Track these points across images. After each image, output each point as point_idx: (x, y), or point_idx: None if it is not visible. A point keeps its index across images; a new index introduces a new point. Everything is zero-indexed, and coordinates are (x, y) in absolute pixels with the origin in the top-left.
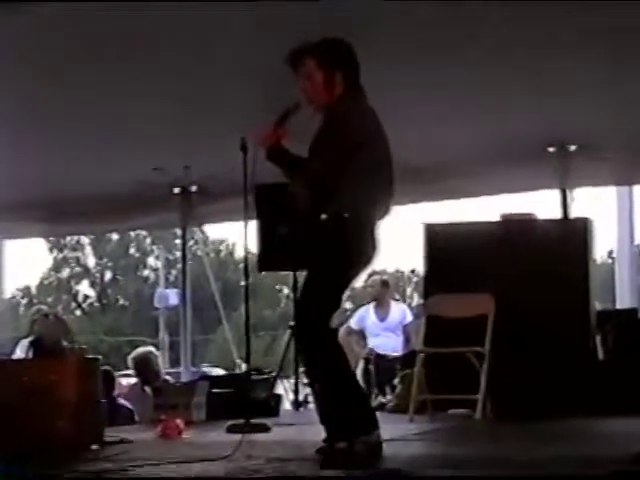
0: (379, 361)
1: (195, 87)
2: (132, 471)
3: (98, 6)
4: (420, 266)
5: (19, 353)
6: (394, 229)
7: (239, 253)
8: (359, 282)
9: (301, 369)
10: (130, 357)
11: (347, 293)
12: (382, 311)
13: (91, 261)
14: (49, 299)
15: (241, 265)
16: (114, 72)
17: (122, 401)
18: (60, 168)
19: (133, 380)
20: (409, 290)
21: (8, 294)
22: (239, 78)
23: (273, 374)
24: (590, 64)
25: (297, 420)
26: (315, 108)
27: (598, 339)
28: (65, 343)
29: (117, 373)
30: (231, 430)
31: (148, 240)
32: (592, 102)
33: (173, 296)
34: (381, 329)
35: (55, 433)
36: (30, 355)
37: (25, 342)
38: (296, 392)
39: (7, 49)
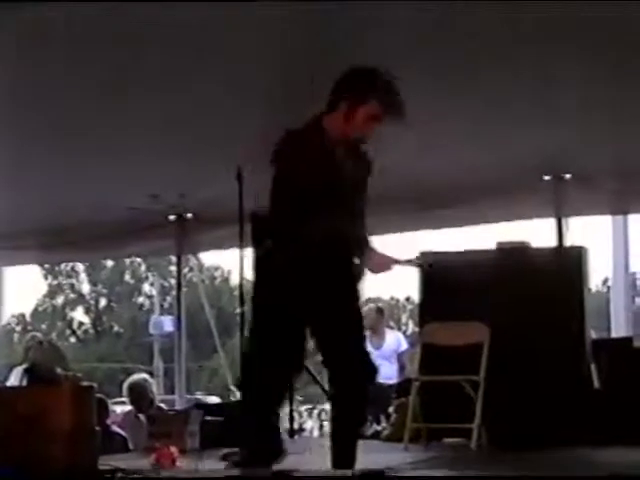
0: (374, 389)
1: (191, 115)
2: None
3: (97, 37)
4: (415, 293)
5: (13, 380)
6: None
7: (234, 280)
8: None
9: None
10: (125, 385)
11: None
12: (377, 339)
13: (86, 288)
14: (43, 326)
15: (236, 292)
16: (110, 100)
17: (116, 429)
18: (56, 196)
19: (127, 408)
20: (404, 317)
21: (3, 321)
22: (235, 106)
23: None
24: (585, 94)
25: (292, 448)
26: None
27: (593, 367)
28: (59, 371)
29: (111, 400)
30: (225, 459)
31: (143, 267)
32: (587, 131)
33: (168, 323)
34: (376, 357)
35: (49, 461)
36: (24, 383)
37: (19, 369)
38: (291, 420)
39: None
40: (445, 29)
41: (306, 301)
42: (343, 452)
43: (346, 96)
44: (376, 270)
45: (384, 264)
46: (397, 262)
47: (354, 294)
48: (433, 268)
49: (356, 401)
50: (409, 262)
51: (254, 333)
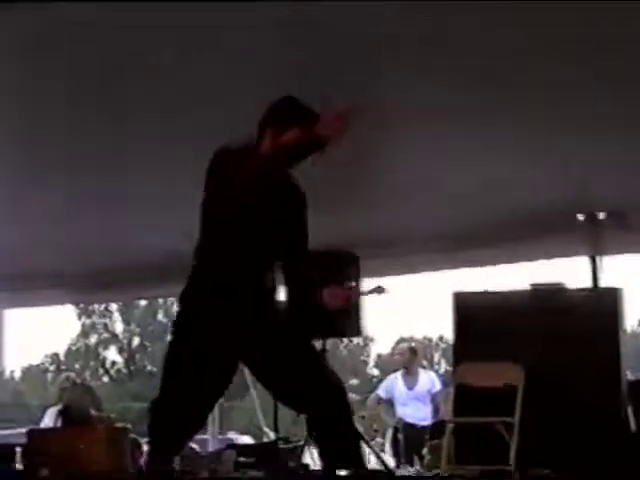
0: (407, 430)
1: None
2: None
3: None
4: (448, 332)
5: (47, 421)
6: (422, 297)
7: None
8: (387, 350)
9: None
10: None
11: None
12: (410, 379)
13: (119, 327)
14: (77, 365)
15: None
16: (142, 141)
17: None
18: (92, 237)
19: None
20: (437, 356)
21: (37, 360)
22: None
23: (301, 443)
24: (623, 131)
25: None
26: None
27: (630, 410)
28: (93, 412)
29: (145, 440)
30: None
31: (176, 306)
32: (621, 169)
33: None
34: (410, 398)
35: None
36: (58, 424)
37: (53, 410)
38: None
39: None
40: (485, 70)
41: (232, 345)
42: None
43: (269, 126)
44: (331, 304)
45: (337, 296)
46: (352, 294)
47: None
48: (467, 309)
49: (343, 422)
50: (368, 291)
51: (167, 373)
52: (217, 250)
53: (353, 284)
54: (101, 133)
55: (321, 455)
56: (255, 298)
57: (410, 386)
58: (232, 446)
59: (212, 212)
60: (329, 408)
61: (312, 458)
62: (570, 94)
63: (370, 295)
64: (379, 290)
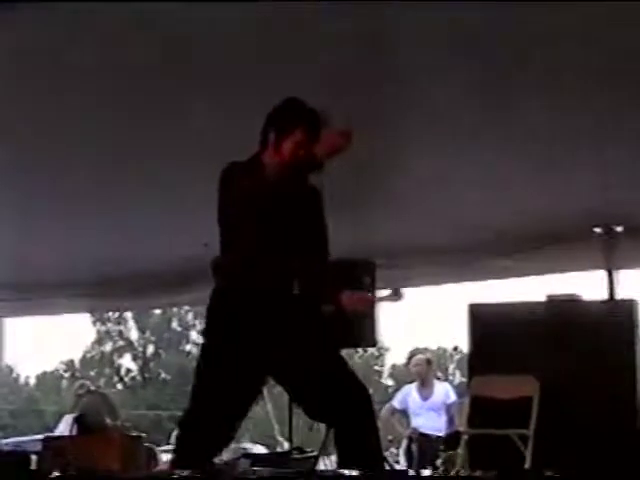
0: (422, 441)
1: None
2: None
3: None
4: (462, 343)
5: (62, 429)
6: (437, 307)
7: None
8: (401, 360)
9: None
10: (173, 433)
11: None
12: (425, 390)
13: (134, 335)
14: (92, 372)
15: None
16: (162, 150)
17: None
18: (109, 247)
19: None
20: (451, 367)
21: (52, 367)
22: None
23: (315, 452)
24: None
25: None
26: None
27: None
28: (108, 421)
29: (158, 448)
30: None
31: (190, 315)
32: (638, 183)
33: None
34: (424, 409)
35: None
36: (74, 431)
37: (69, 418)
38: None
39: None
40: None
41: (266, 346)
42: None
43: (272, 130)
44: (350, 307)
45: (356, 300)
46: (372, 299)
47: (320, 331)
48: (483, 320)
49: (367, 428)
50: (385, 297)
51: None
52: (245, 260)
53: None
54: (120, 146)
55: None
56: (285, 305)
57: (425, 397)
58: (246, 455)
59: (234, 225)
60: (357, 416)
61: (326, 467)
62: (589, 103)
63: (387, 300)
64: (396, 295)
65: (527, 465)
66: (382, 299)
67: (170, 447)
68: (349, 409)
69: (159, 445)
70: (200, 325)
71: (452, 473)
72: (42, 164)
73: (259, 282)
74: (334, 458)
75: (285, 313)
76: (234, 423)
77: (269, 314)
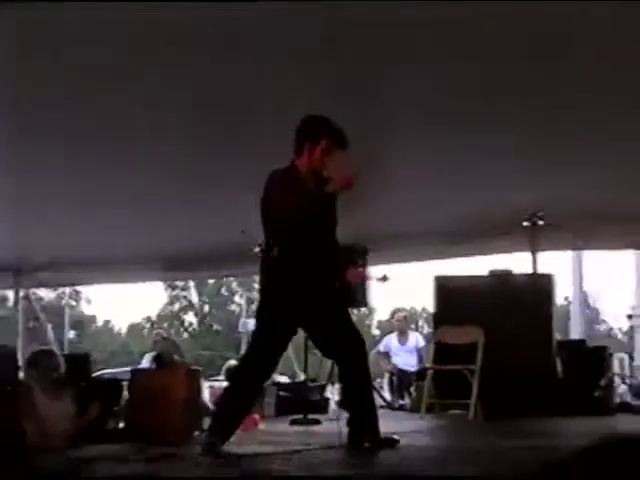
0: (400, 374)
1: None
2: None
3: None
4: (429, 304)
5: (144, 364)
6: (410, 279)
7: None
8: (385, 316)
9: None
10: (224, 368)
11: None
12: (402, 338)
13: (194, 298)
14: (165, 325)
15: None
16: (210, 145)
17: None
18: (177, 231)
19: (224, 384)
20: (421, 322)
21: (137, 321)
22: None
23: (324, 382)
24: (555, 161)
25: (340, 416)
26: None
27: (558, 361)
28: (176, 358)
29: (212, 379)
30: (293, 423)
31: (235, 284)
32: (555, 188)
33: (251, 323)
34: (402, 351)
35: (169, 425)
36: (153, 366)
37: (148, 356)
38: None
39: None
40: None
41: (306, 306)
42: (359, 417)
43: (305, 141)
44: (352, 280)
45: (357, 275)
46: (365, 274)
47: (337, 297)
48: (444, 287)
49: (361, 372)
50: (377, 279)
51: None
52: (295, 247)
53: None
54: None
55: (343, 389)
56: (325, 278)
57: (402, 343)
58: (274, 383)
59: (279, 219)
60: (356, 357)
61: (331, 393)
62: (522, 126)
63: (378, 282)
64: (384, 279)
65: (474, 390)
66: (374, 280)
67: (221, 378)
68: (349, 350)
69: (213, 377)
70: (241, 291)
71: (423, 401)
72: (132, 167)
73: (309, 264)
74: (337, 386)
75: (317, 286)
76: (277, 358)
77: (308, 287)
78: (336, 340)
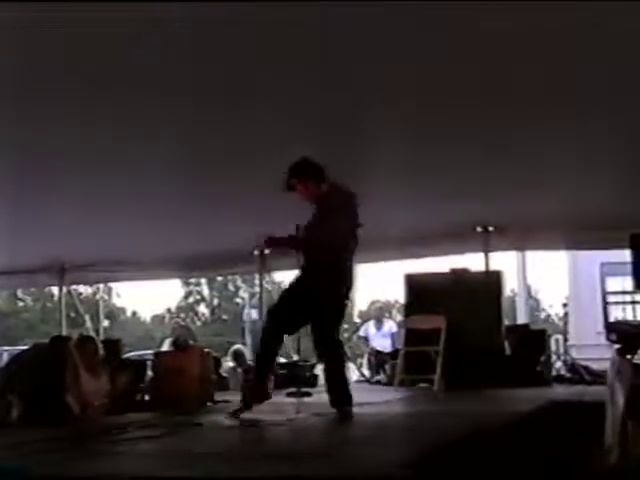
0: (377, 355)
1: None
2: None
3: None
4: (401, 297)
5: (165, 347)
6: (385, 276)
7: None
8: (364, 307)
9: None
10: (229, 351)
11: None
12: (379, 324)
13: (206, 292)
14: (182, 315)
15: None
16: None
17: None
18: (192, 238)
19: (230, 364)
20: (394, 311)
21: (159, 311)
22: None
23: (314, 362)
24: (502, 176)
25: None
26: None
27: (506, 342)
28: (191, 342)
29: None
30: (289, 395)
31: (239, 280)
32: (503, 201)
33: (254, 314)
34: (378, 336)
35: (186, 396)
36: (172, 349)
37: (168, 341)
38: None
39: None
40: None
41: (311, 300)
42: (337, 391)
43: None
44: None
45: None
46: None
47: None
48: (413, 283)
49: (335, 357)
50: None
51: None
52: (329, 242)
53: None
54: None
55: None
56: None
57: (378, 328)
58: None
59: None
60: (333, 353)
61: (320, 371)
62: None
63: None
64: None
65: (438, 368)
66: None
67: (228, 358)
68: (328, 350)
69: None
70: (244, 286)
71: (396, 377)
72: (154, 185)
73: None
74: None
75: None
76: (284, 336)
77: (341, 275)
78: (321, 340)
